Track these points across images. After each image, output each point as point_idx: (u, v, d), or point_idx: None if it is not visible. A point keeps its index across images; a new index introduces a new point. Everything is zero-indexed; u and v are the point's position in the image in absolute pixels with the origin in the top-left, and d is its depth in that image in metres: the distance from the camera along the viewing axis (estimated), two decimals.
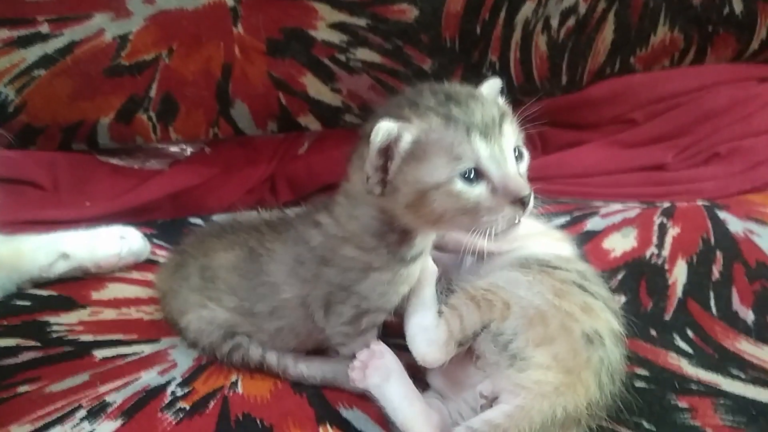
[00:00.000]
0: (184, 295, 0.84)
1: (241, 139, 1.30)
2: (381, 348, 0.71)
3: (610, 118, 1.33)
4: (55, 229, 1.06)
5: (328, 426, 0.73)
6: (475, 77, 1.25)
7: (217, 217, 1.26)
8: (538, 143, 1.37)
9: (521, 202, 0.61)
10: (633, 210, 1.23)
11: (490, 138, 0.61)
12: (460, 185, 0.60)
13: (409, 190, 0.62)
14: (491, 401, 0.65)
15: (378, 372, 0.69)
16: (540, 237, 0.80)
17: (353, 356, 0.74)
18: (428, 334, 0.68)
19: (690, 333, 0.88)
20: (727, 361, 0.83)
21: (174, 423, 0.74)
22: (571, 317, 0.65)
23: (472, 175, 0.60)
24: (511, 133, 0.63)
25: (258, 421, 0.74)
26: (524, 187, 0.61)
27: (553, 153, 1.35)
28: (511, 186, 0.60)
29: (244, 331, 0.81)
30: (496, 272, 0.72)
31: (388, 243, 0.69)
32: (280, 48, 1.18)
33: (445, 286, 0.74)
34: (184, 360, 0.85)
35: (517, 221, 0.62)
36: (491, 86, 0.69)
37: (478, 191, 0.60)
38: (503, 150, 0.62)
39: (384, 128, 0.59)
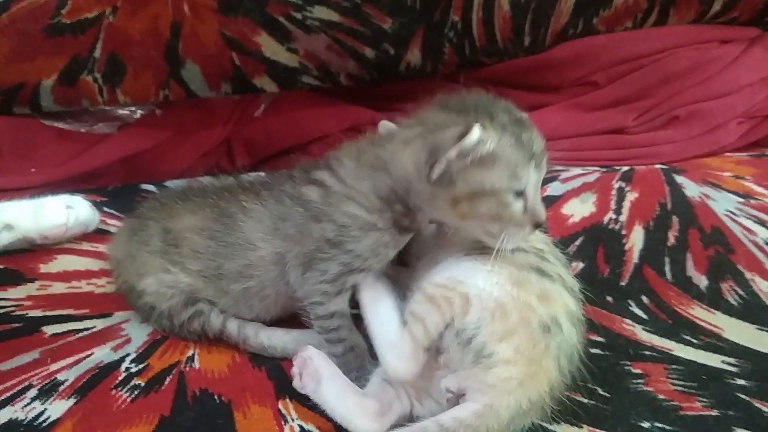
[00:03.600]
0: (143, 258, 0.82)
1: (194, 101, 1.25)
2: (309, 353, 0.72)
3: (572, 80, 1.32)
4: None
5: (288, 400, 0.73)
6: (437, 37, 1.24)
7: (171, 183, 1.23)
8: None
9: (537, 225, 0.69)
10: (592, 174, 1.24)
11: (539, 168, 0.68)
12: (510, 197, 0.67)
13: (465, 187, 0.67)
14: (458, 397, 0.65)
15: (310, 379, 0.70)
16: None
17: (322, 316, 0.75)
18: (395, 349, 0.68)
19: (645, 299, 0.90)
20: (679, 327, 0.84)
21: (129, 400, 0.72)
22: (528, 307, 0.65)
23: (518, 194, 0.68)
24: (546, 166, 0.71)
25: (216, 397, 0.73)
26: (544, 215, 0.69)
27: None
28: (537, 211, 0.69)
29: (207, 296, 0.80)
30: (453, 263, 0.71)
31: (394, 210, 0.72)
32: (232, 5, 1.13)
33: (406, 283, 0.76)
34: (138, 335, 0.83)
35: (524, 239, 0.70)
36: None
37: (518, 207, 0.68)
38: (540, 179, 0.70)
39: (477, 136, 0.63)
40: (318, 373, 0.70)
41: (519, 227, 0.68)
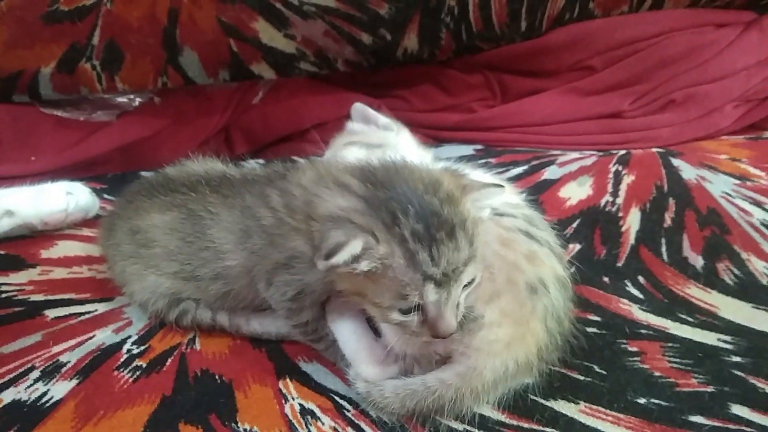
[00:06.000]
0: (121, 265, 0.81)
1: (193, 89, 1.26)
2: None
3: (569, 65, 1.32)
4: None
5: (288, 380, 0.73)
6: (433, 23, 1.24)
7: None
8: (497, 91, 1.36)
9: (439, 337, 0.62)
10: (589, 158, 1.25)
11: (444, 286, 0.59)
12: (395, 314, 0.61)
13: (351, 287, 0.63)
14: (445, 359, 0.66)
15: (338, 307, 0.72)
16: None
17: (296, 326, 0.75)
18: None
19: (641, 279, 0.90)
20: (676, 306, 0.85)
21: (131, 381, 0.73)
22: (516, 268, 0.66)
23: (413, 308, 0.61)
24: (470, 273, 0.61)
25: (217, 377, 0.74)
26: (449, 329, 0.61)
27: (512, 101, 1.35)
28: (440, 326, 0.61)
29: (190, 296, 0.79)
30: None
31: None
32: None
33: None
34: (139, 318, 0.84)
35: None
36: (489, 194, 0.65)
37: (409, 318, 0.61)
38: (451, 295, 0.60)
39: (347, 256, 0.57)
40: (347, 305, 0.71)
41: (414, 334, 0.63)
